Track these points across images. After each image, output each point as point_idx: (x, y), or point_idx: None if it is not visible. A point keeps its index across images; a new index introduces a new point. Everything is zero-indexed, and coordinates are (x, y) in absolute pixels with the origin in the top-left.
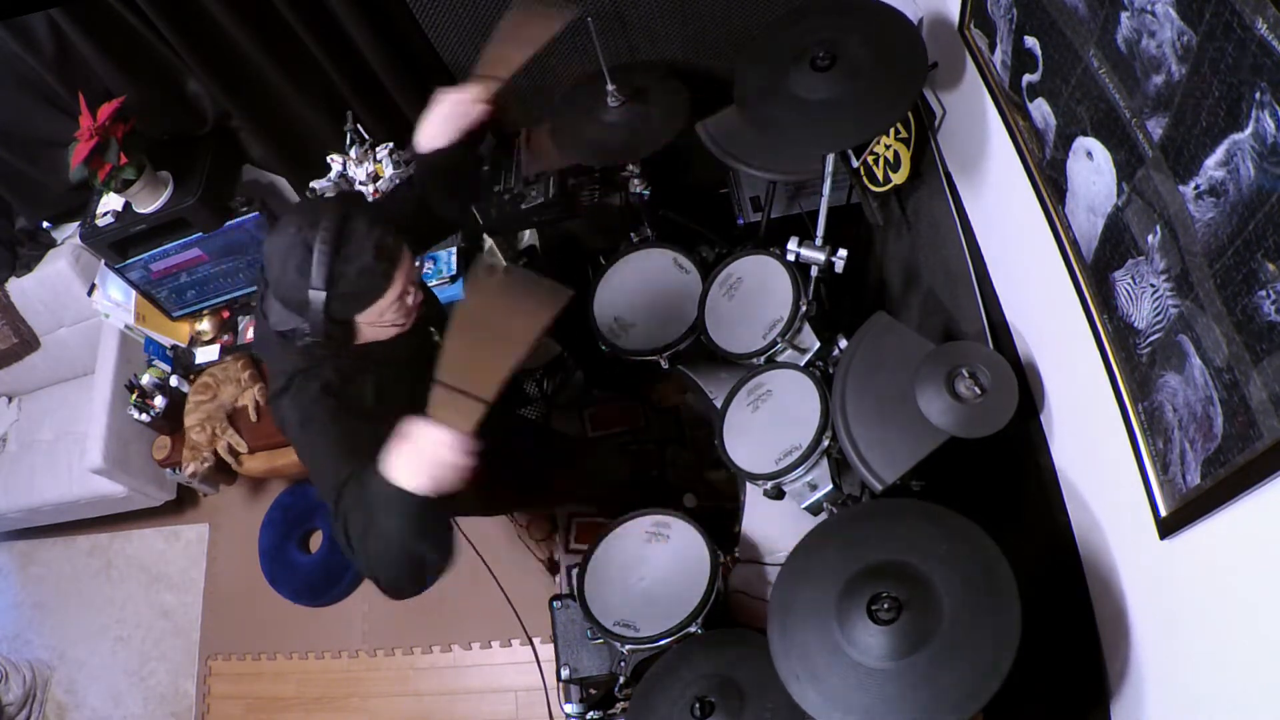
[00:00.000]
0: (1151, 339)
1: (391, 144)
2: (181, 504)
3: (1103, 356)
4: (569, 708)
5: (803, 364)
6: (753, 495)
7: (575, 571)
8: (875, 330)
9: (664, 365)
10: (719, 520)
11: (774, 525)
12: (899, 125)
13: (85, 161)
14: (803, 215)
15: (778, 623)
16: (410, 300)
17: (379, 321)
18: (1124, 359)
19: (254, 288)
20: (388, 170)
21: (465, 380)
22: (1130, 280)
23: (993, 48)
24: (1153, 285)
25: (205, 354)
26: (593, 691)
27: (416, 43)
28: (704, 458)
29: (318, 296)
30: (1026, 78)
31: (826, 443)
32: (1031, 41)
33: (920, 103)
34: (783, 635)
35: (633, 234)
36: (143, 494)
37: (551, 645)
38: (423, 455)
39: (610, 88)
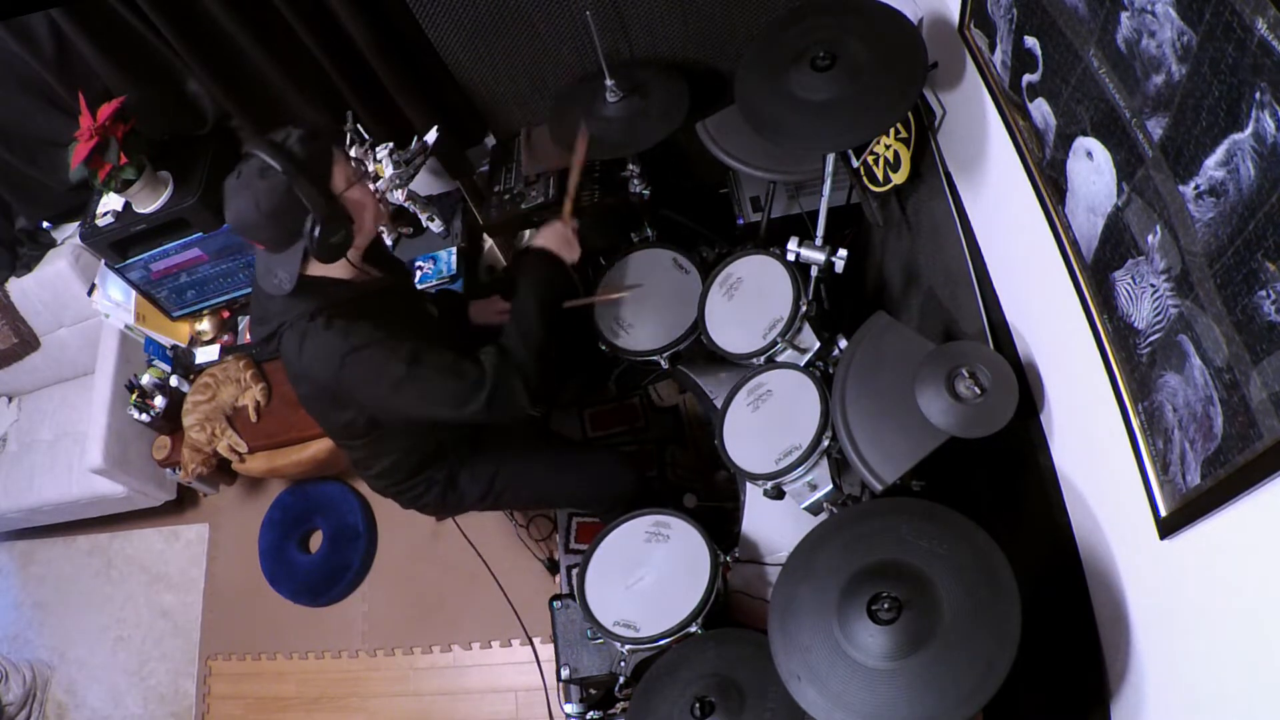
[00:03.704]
0: (1151, 339)
1: (391, 144)
2: (181, 504)
3: (1103, 356)
4: (569, 708)
5: (803, 364)
6: (753, 495)
7: (575, 571)
8: (875, 330)
9: (664, 365)
10: (719, 520)
11: (774, 525)
12: (899, 125)
13: (85, 161)
14: (803, 215)
15: (778, 623)
16: (371, 189)
17: (358, 195)
18: (1124, 359)
19: (252, 289)
20: (388, 170)
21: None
22: (1130, 280)
23: (993, 48)
24: (1153, 285)
25: (205, 354)
26: (593, 691)
27: (416, 43)
28: (704, 458)
29: (290, 173)
30: (1026, 78)
31: (826, 443)
32: (1031, 41)
33: (920, 103)
34: (783, 635)
35: (633, 234)
36: (143, 494)
37: (551, 645)
38: (558, 232)
39: (609, 82)
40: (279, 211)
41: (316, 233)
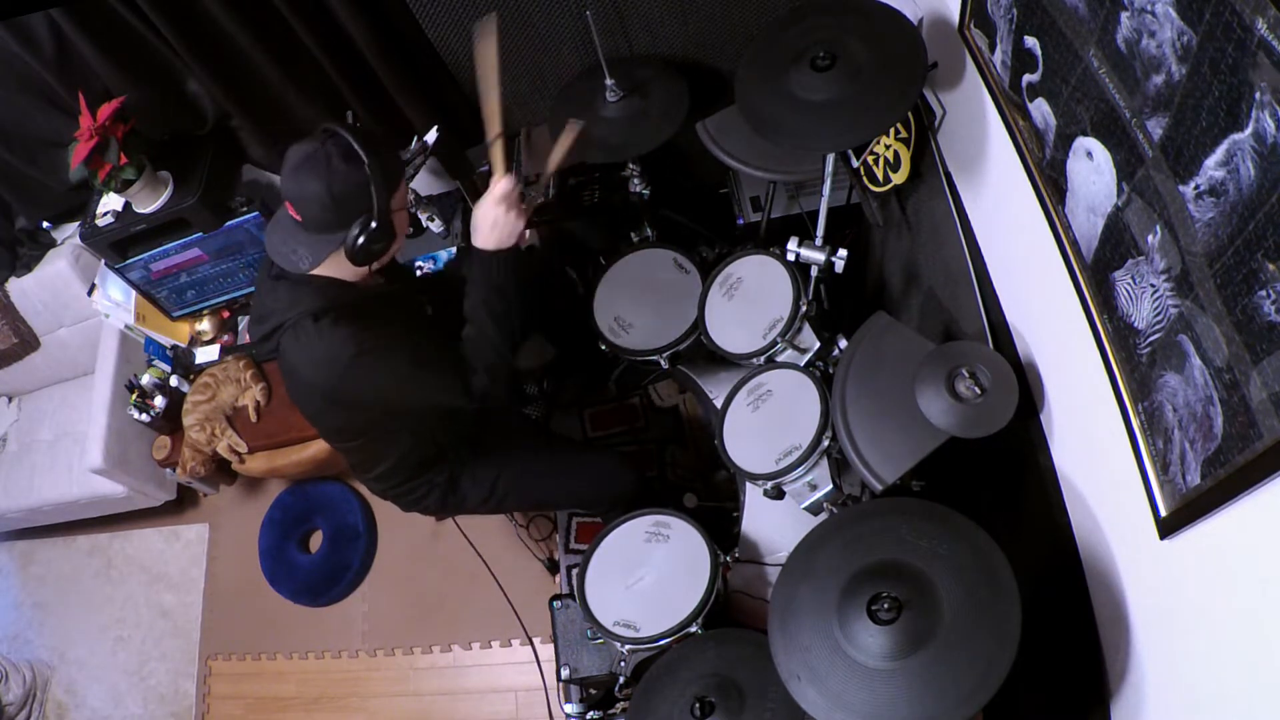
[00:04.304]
0: (1151, 339)
1: None
2: (181, 504)
3: (1103, 356)
4: (569, 708)
5: (803, 364)
6: (753, 495)
7: (575, 571)
8: (875, 330)
9: (664, 365)
10: (719, 520)
11: (774, 525)
12: (899, 125)
13: (85, 161)
14: (803, 215)
15: (778, 623)
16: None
17: (401, 217)
18: (1124, 359)
19: (254, 288)
20: None
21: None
22: (1130, 280)
23: (993, 48)
24: (1153, 285)
25: (205, 354)
26: (593, 691)
27: (416, 43)
28: (704, 458)
29: (374, 170)
30: (1026, 78)
31: (826, 443)
32: (1031, 41)
33: (920, 103)
34: (783, 635)
35: (633, 234)
36: (143, 494)
37: (551, 645)
38: (491, 221)
39: (609, 81)
40: (346, 200)
41: (364, 236)
